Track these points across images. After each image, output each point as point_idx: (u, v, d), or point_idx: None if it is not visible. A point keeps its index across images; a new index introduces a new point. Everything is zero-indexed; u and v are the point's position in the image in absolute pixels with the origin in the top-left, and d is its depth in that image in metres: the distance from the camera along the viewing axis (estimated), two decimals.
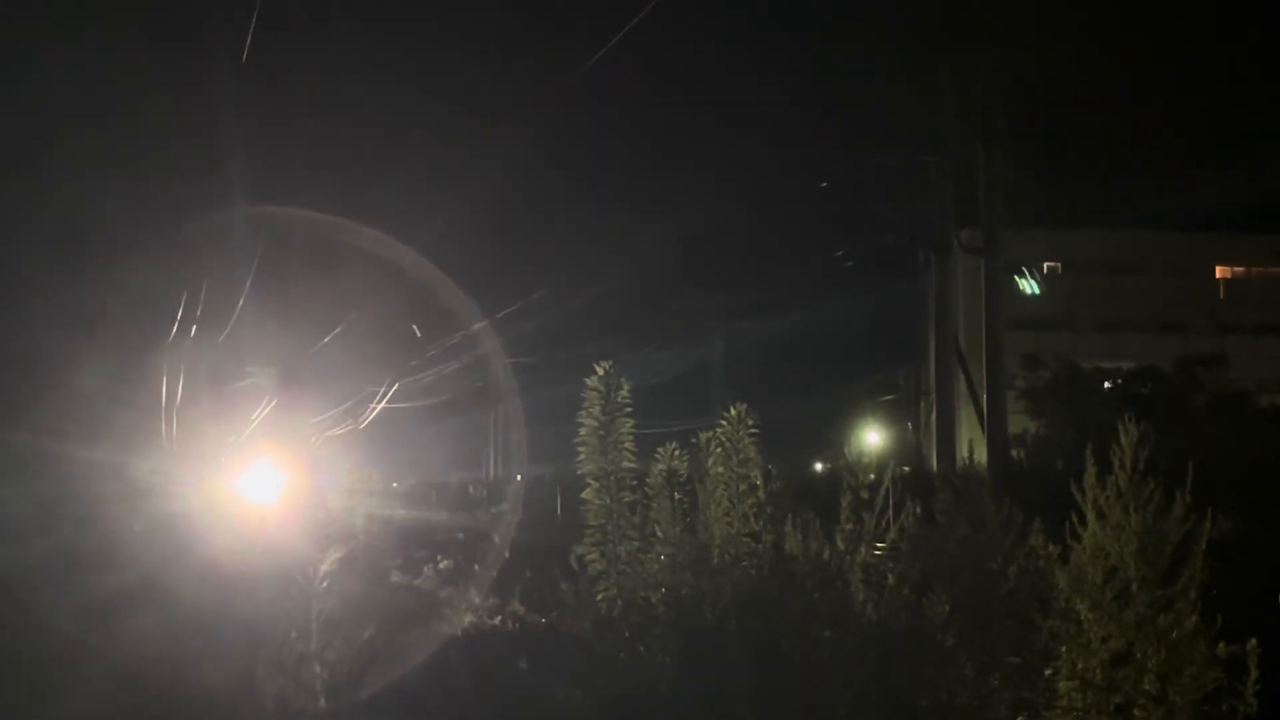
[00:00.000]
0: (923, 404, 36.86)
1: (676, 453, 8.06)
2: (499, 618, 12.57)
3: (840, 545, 6.40)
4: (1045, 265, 60.14)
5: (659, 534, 7.51)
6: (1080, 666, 5.25)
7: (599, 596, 7.81)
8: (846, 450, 7.19)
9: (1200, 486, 5.26)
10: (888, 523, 6.65)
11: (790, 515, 6.82)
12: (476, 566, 16.45)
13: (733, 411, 7.66)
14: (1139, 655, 5.10)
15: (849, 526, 6.38)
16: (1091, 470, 5.27)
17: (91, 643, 10.78)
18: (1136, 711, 5.10)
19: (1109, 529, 5.19)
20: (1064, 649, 5.36)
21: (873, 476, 6.65)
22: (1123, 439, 5.18)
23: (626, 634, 7.12)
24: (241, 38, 23.41)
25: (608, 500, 8.24)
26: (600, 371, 8.36)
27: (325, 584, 6.99)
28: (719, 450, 7.62)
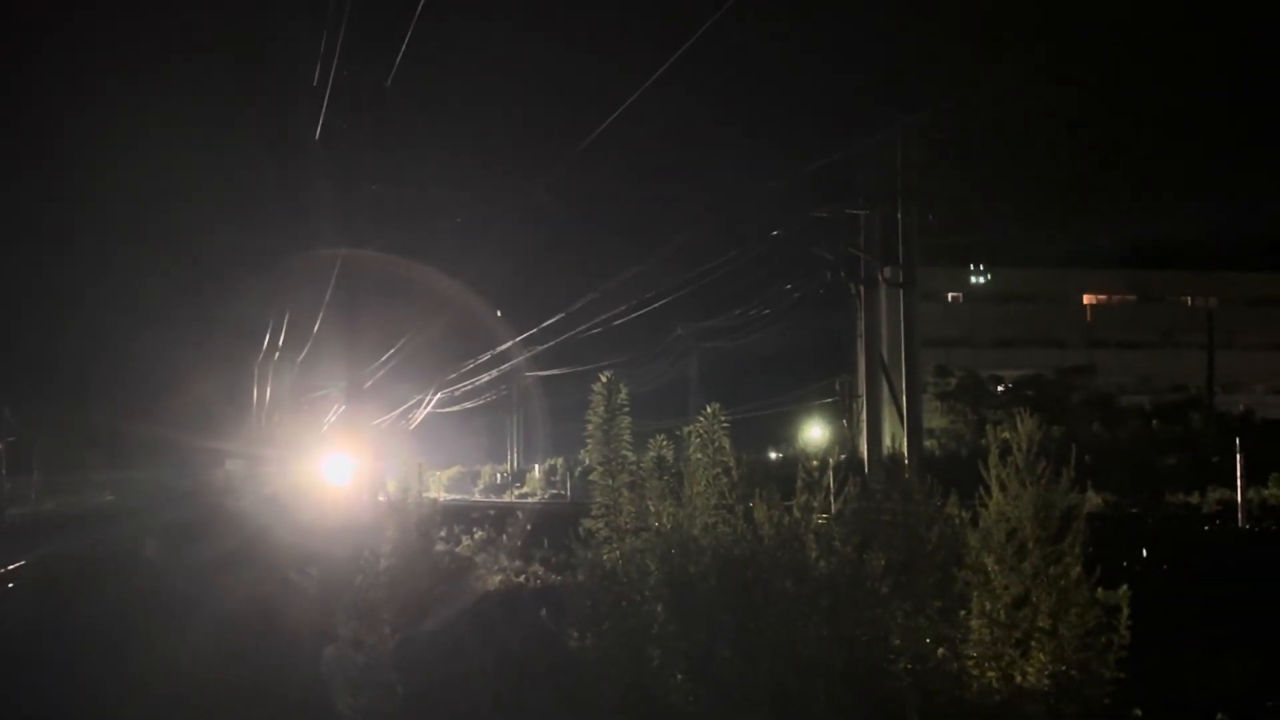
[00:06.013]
0: (855, 405, 36.82)
1: (664, 444, 8.03)
2: (523, 576, 12.51)
3: (797, 514, 6.37)
4: (950, 295, 60.61)
5: (651, 508, 7.48)
6: (988, 608, 5.25)
7: (604, 558, 7.77)
8: (799, 441, 7.16)
9: (1079, 467, 5.29)
10: (831, 497, 6.64)
11: (757, 491, 6.80)
12: (504, 537, 16.36)
13: (708, 410, 7.64)
14: (1034, 599, 5.10)
15: (803, 499, 6.36)
16: (995, 451, 5.28)
17: (207, 590, 10.81)
18: (1033, 643, 5.10)
19: (1009, 498, 5.20)
20: (975, 594, 5.35)
21: (819, 461, 6.62)
22: (1019, 426, 5.18)
23: (626, 587, 7.08)
24: (314, 120, 23.46)
25: (610, 481, 8.21)
26: (604, 379, 8.34)
27: (389, 548, 6.96)
28: (698, 440, 7.58)
